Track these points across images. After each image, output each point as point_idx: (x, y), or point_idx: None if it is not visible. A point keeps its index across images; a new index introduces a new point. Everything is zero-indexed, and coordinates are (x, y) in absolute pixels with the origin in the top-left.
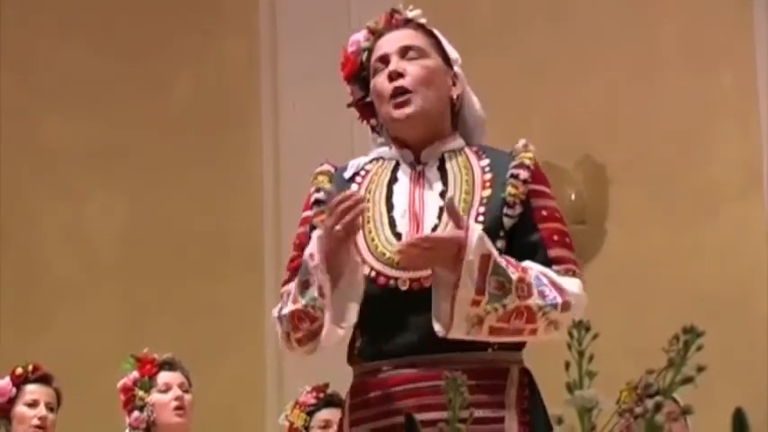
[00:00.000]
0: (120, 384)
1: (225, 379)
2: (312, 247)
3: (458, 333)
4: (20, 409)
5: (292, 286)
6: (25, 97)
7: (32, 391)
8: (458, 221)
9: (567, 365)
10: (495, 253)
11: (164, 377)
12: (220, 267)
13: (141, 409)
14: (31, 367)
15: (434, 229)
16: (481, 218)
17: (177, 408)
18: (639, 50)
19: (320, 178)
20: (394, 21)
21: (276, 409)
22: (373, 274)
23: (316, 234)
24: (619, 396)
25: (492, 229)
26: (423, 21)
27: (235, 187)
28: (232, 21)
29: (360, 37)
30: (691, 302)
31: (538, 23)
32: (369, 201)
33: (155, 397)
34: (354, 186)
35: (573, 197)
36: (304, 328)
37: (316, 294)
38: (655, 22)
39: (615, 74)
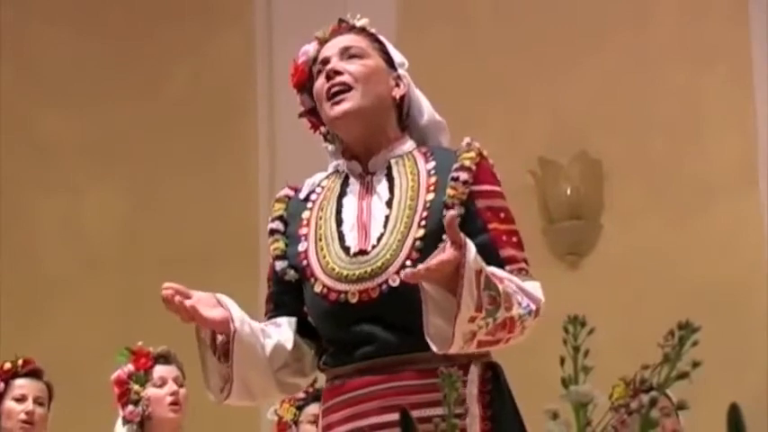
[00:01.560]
0: (114, 377)
1: None
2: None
3: (455, 349)
4: (8, 404)
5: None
6: (22, 91)
7: (21, 385)
8: (456, 238)
9: (563, 360)
10: (486, 267)
11: (159, 371)
12: (217, 261)
13: (136, 403)
14: (20, 362)
15: (380, 238)
16: (423, 222)
17: (173, 403)
18: (636, 46)
19: (276, 206)
20: (341, 29)
21: (271, 404)
22: (325, 290)
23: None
24: (611, 391)
25: (434, 233)
26: (369, 29)
27: (231, 182)
28: (228, 14)
29: (310, 47)
30: (687, 297)
31: (534, 19)
32: (321, 218)
33: (150, 391)
34: (309, 204)
35: (569, 192)
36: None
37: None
38: (651, 17)
39: (611, 70)
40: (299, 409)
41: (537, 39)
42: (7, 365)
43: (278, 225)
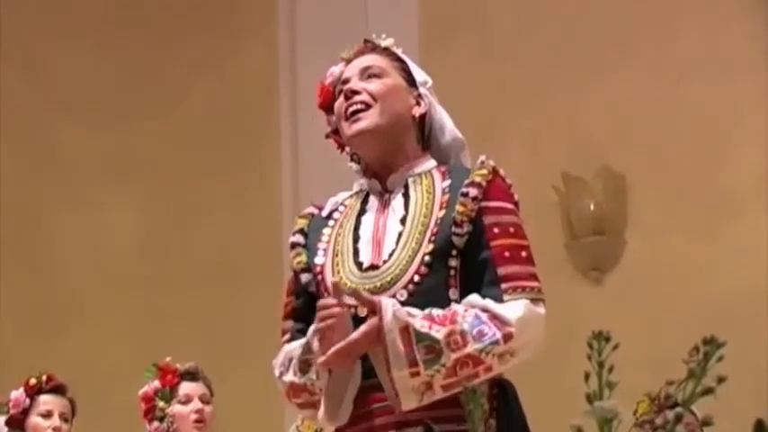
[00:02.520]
0: (141, 392)
1: (243, 387)
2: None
3: (412, 404)
4: (34, 419)
5: (295, 346)
6: (41, 107)
7: (46, 401)
8: (368, 305)
9: (587, 376)
10: (412, 321)
11: (185, 388)
12: (238, 277)
13: (161, 419)
14: (44, 378)
15: (392, 254)
16: (433, 237)
17: (197, 420)
18: (658, 60)
19: (299, 221)
20: (365, 49)
21: (295, 416)
22: None
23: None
24: (636, 407)
25: (443, 249)
26: (394, 48)
27: (253, 197)
28: (251, 29)
29: (336, 69)
30: (710, 312)
31: (556, 34)
32: (340, 234)
33: (175, 408)
34: (331, 222)
35: (592, 208)
36: (304, 397)
37: (314, 377)
38: (673, 31)
39: (634, 84)
40: None
41: (559, 54)
42: (32, 381)
43: (299, 238)
